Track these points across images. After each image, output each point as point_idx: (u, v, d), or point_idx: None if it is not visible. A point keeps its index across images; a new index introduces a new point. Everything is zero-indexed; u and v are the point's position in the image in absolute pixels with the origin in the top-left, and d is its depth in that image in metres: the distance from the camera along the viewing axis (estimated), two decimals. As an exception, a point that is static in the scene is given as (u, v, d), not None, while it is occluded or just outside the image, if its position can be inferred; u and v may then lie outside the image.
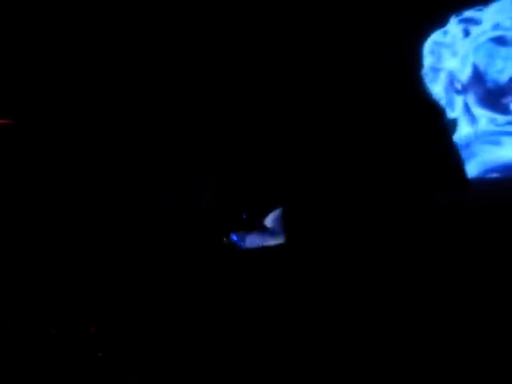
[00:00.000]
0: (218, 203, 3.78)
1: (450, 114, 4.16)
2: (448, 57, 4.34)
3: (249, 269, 3.61)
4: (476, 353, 2.94)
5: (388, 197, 3.09)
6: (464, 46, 4.38)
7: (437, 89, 4.21)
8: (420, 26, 4.06)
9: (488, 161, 4.01)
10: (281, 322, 3.48)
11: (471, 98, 4.31)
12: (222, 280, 3.61)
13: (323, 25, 3.91)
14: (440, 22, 4.26)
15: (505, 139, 4.16)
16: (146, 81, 3.98)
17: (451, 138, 3.20)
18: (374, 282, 3.17)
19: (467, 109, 4.27)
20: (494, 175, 3.97)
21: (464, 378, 2.91)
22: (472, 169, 3.97)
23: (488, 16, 4.35)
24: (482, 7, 4.32)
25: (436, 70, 4.29)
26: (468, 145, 4.05)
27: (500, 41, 4.33)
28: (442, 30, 4.34)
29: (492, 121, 4.22)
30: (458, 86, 4.34)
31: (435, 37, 4.33)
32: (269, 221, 3.69)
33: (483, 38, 4.38)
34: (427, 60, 4.26)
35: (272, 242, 3.65)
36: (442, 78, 4.32)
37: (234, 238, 3.71)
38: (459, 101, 4.32)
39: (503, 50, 4.32)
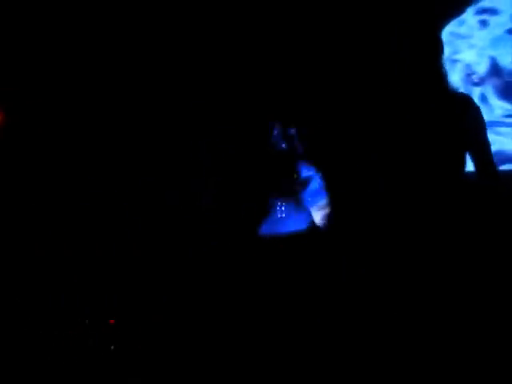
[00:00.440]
0: (218, 203, 3.77)
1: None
2: (464, 49, 4.31)
3: (249, 269, 3.59)
4: (476, 353, 2.90)
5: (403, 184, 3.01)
6: (480, 37, 4.36)
7: (454, 79, 4.16)
8: (436, 16, 4.03)
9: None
10: (281, 322, 3.46)
11: (488, 89, 4.29)
12: (222, 280, 3.59)
13: (323, 24, 3.92)
14: (456, 11, 4.25)
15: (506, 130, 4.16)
16: (146, 81, 4.00)
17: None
18: (374, 282, 3.13)
19: (484, 99, 4.24)
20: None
21: (464, 378, 2.86)
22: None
23: (505, 6, 4.31)
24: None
25: (452, 61, 4.26)
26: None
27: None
28: (458, 19, 4.32)
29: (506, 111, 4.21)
30: (475, 79, 4.31)
31: (451, 27, 4.30)
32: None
33: (500, 30, 4.36)
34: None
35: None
36: (459, 68, 4.29)
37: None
38: (476, 91, 4.29)
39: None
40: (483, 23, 4.34)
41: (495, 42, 4.32)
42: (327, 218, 3.61)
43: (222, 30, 4.00)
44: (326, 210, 3.60)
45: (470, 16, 4.34)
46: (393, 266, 2.98)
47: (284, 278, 3.54)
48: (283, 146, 3.60)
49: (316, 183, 3.63)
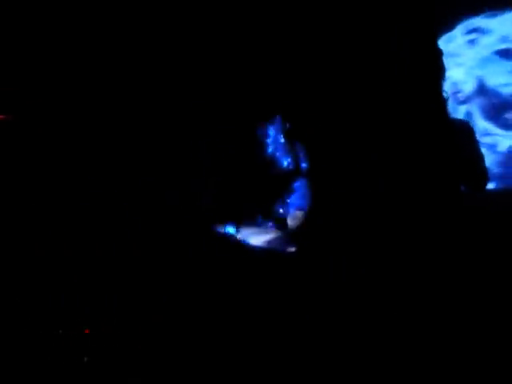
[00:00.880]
0: (218, 203, 3.78)
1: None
2: (452, 66, 4.32)
3: (249, 269, 3.60)
4: (477, 352, 2.91)
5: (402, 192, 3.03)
6: (469, 57, 4.38)
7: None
8: (424, 30, 4.05)
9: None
10: (280, 322, 3.47)
11: (474, 109, 4.30)
12: (222, 280, 3.60)
13: (323, 24, 3.93)
14: (445, 26, 4.26)
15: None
16: (146, 81, 4.00)
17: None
18: (374, 282, 3.14)
19: (469, 117, 4.25)
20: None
21: (464, 378, 2.87)
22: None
23: (495, 26, 4.35)
24: (490, 15, 4.31)
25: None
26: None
27: (506, 54, 4.32)
28: (447, 36, 4.33)
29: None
30: (461, 97, 4.33)
31: (439, 44, 4.33)
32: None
33: (489, 51, 4.38)
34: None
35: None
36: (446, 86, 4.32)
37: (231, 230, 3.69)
38: (462, 110, 4.31)
39: (509, 64, 4.31)
40: (472, 42, 4.35)
41: (483, 62, 4.33)
42: (326, 219, 3.62)
43: (221, 30, 4.01)
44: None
45: (458, 34, 4.35)
46: (393, 266, 2.99)
47: (284, 278, 3.56)
48: (282, 149, 3.65)
49: (305, 187, 3.66)
